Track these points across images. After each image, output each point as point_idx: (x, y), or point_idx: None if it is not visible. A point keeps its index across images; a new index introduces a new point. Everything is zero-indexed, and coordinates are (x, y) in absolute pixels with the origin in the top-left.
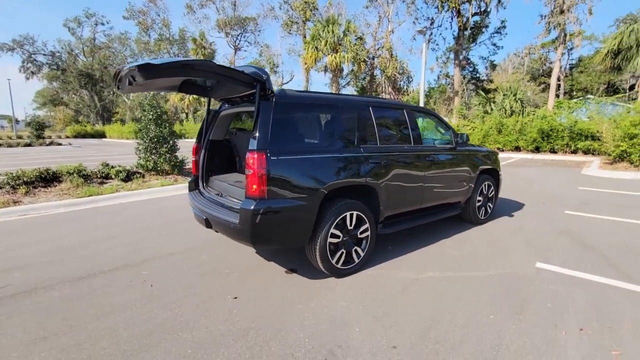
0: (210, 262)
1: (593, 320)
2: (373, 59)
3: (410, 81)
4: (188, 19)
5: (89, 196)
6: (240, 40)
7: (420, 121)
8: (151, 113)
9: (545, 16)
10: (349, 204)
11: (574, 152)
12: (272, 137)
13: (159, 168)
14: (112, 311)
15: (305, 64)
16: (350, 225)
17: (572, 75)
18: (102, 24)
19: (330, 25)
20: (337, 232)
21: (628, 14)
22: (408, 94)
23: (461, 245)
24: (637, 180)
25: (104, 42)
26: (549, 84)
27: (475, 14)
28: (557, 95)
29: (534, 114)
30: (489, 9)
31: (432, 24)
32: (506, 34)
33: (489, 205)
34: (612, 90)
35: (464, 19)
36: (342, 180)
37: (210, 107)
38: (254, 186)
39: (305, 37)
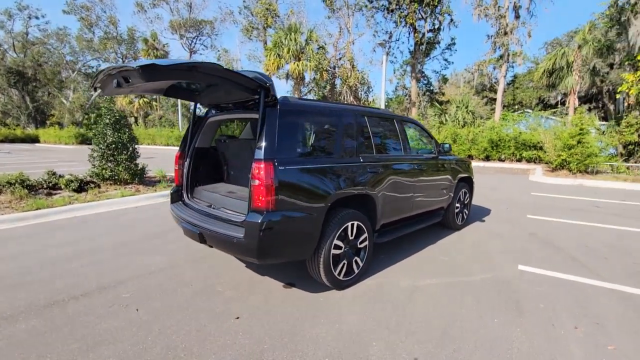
0: (198, 280)
1: (582, 317)
2: (334, 68)
3: (370, 91)
4: (138, 18)
5: (36, 209)
6: (195, 43)
7: (409, 131)
8: (108, 117)
9: (491, 36)
10: (351, 214)
11: (519, 160)
12: (279, 145)
13: (117, 177)
14: (97, 343)
15: (267, 70)
16: (351, 235)
17: (510, 90)
18: (37, 17)
19: (293, 34)
20: (340, 243)
21: (555, 39)
22: (368, 104)
23: (447, 251)
24: (576, 186)
25: (39, 37)
26: (490, 98)
27: (430, 30)
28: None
29: (483, 125)
30: (442, 27)
31: (390, 37)
32: (456, 50)
33: (465, 212)
34: (542, 105)
35: (420, 35)
36: (347, 189)
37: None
38: (261, 197)
39: (266, 43)
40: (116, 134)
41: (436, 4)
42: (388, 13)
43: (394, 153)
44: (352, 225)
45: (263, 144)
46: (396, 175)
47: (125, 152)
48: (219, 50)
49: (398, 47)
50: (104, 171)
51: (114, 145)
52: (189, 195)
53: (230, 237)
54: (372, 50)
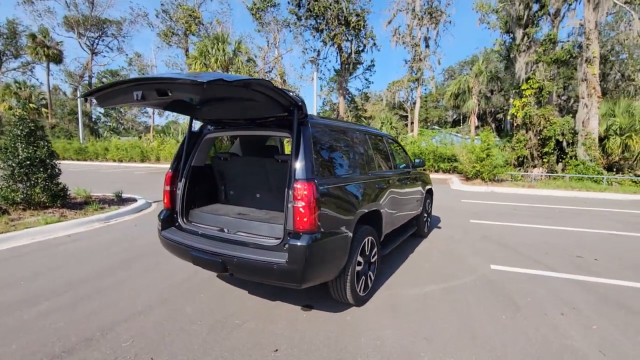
0: (205, 314)
1: (562, 305)
2: None
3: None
4: (24, 9)
5: None
6: (98, 44)
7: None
8: (20, 127)
9: (408, 61)
10: (368, 230)
11: (437, 171)
12: (314, 164)
13: (31, 201)
14: None
15: None
16: (368, 250)
17: (418, 108)
18: None
19: (220, 43)
20: (361, 259)
21: (449, 66)
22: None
23: (427, 258)
24: (490, 192)
25: None
26: (402, 115)
27: (356, 52)
28: (411, 123)
29: (405, 140)
30: (365, 49)
31: (318, 55)
32: (375, 71)
33: (429, 220)
34: (442, 122)
35: (346, 55)
36: (368, 205)
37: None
38: (304, 219)
39: (187, 51)
40: (30, 148)
41: (361, 28)
42: (316, 32)
43: (389, 168)
44: (368, 240)
45: (301, 163)
46: (393, 189)
47: (43, 170)
48: (127, 54)
49: (325, 65)
50: (14, 194)
51: (28, 162)
52: (185, 219)
53: (268, 264)
54: (301, 66)
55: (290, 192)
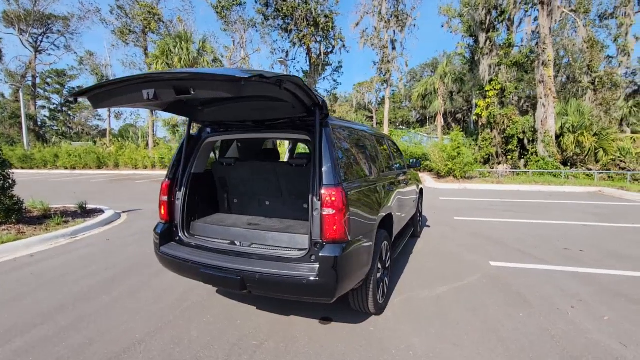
0: (215, 337)
1: (569, 298)
2: None
3: None
4: None
5: None
6: (42, 41)
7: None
8: None
9: (377, 63)
10: (384, 234)
11: None
12: (340, 168)
13: None
14: None
15: None
16: (384, 256)
17: (381, 109)
18: None
19: (184, 42)
20: (379, 265)
21: (410, 69)
22: None
23: (427, 257)
24: (463, 189)
25: None
26: (368, 116)
27: (325, 53)
28: (377, 124)
29: None
30: (334, 51)
31: (287, 56)
32: (342, 72)
33: (421, 219)
34: (406, 122)
35: (315, 56)
36: (385, 207)
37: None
38: (334, 227)
39: (146, 49)
40: None
41: (330, 29)
42: (285, 32)
43: (392, 169)
44: (384, 245)
45: (327, 167)
46: (399, 190)
47: None
48: (77, 53)
49: (294, 66)
50: None
51: None
52: (186, 232)
53: (296, 279)
54: (270, 66)
55: (315, 199)
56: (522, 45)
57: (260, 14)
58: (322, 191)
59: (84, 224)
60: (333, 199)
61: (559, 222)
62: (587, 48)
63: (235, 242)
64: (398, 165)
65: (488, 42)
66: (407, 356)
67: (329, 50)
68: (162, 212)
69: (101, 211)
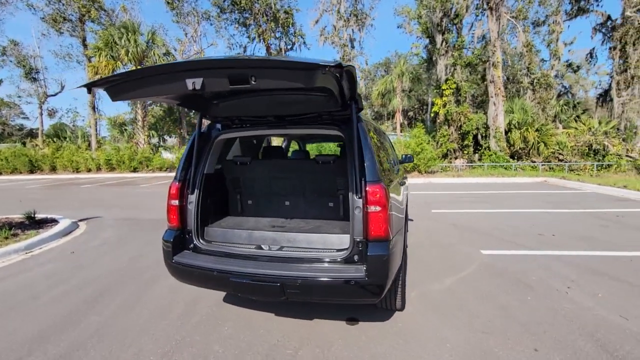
0: (243, 350)
1: (564, 279)
2: None
3: None
4: None
5: None
6: None
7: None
8: None
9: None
10: (404, 229)
11: None
12: (377, 163)
13: None
14: None
15: (97, 73)
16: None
17: None
18: None
19: (131, 34)
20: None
21: (364, 68)
22: None
23: (423, 250)
24: (428, 183)
25: None
26: None
27: (285, 49)
28: None
29: None
30: (294, 48)
31: (244, 51)
32: None
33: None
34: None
35: (275, 52)
36: (405, 201)
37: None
38: (380, 225)
39: (85, 40)
40: None
41: (290, 25)
42: (242, 27)
43: (396, 163)
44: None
45: (369, 163)
46: (404, 184)
47: None
48: None
49: None
50: None
51: None
52: (201, 238)
53: (343, 281)
54: None
55: (356, 197)
56: (474, 47)
57: (216, 7)
58: (367, 188)
59: (38, 237)
60: (378, 195)
61: (524, 210)
62: (526, 52)
63: (262, 246)
64: (397, 159)
65: (444, 43)
66: (446, 349)
67: (289, 47)
68: (173, 218)
69: (54, 221)
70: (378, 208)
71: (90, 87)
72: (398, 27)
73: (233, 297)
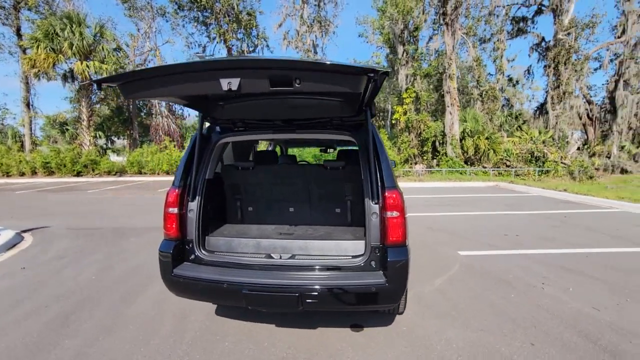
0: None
1: (538, 277)
2: None
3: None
4: None
5: None
6: None
7: None
8: None
9: None
10: None
11: None
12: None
13: None
14: None
15: (34, 67)
16: None
17: None
18: None
19: (75, 25)
20: None
21: None
22: (184, 118)
23: None
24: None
25: None
26: None
27: (247, 52)
28: None
29: None
30: (257, 51)
31: (204, 51)
32: None
33: None
34: None
35: (236, 54)
36: None
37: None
38: (398, 230)
39: (19, 29)
40: None
41: (252, 27)
42: (202, 26)
43: None
44: None
45: (386, 169)
46: None
47: None
48: None
49: None
50: None
51: None
52: (202, 249)
53: (364, 288)
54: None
55: (371, 203)
56: (430, 60)
57: (174, 3)
58: (386, 194)
59: None
60: (396, 201)
61: (486, 212)
62: (476, 66)
63: (272, 255)
64: None
65: (405, 54)
66: (453, 350)
67: (251, 49)
68: (172, 227)
69: None
70: (396, 214)
71: (102, 83)
72: (359, 35)
73: (226, 309)
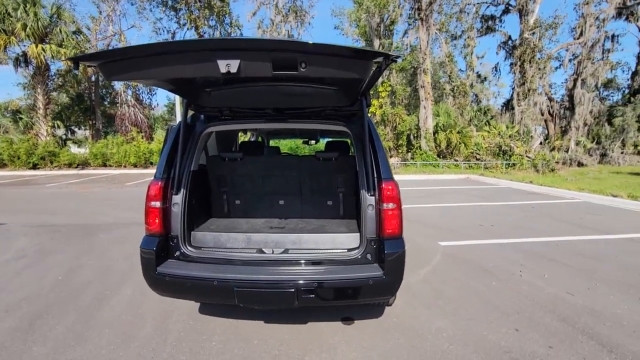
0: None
1: (516, 265)
2: None
3: (154, 94)
4: None
5: None
6: None
7: None
8: None
9: None
10: None
11: None
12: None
13: None
14: None
15: None
16: None
17: None
18: None
19: (30, 5)
20: None
21: None
22: (152, 108)
23: None
24: None
25: None
26: None
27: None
28: None
29: None
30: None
31: (173, 37)
32: None
33: None
34: None
35: None
36: None
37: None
38: (394, 222)
39: None
40: None
41: (226, 14)
42: (171, 11)
43: None
44: None
45: (382, 160)
46: None
47: None
48: None
49: None
50: None
51: None
52: (188, 244)
53: (361, 281)
54: None
55: (367, 194)
56: (404, 54)
57: None
58: (382, 185)
59: None
60: (393, 193)
61: (460, 204)
62: (448, 61)
63: (264, 249)
64: None
65: (381, 47)
66: (444, 338)
67: (224, 36)
68: (154, 222)
69: None
70: (393, 205)
71: (80, 61)
72: (335, 27)
73: (210, 306)
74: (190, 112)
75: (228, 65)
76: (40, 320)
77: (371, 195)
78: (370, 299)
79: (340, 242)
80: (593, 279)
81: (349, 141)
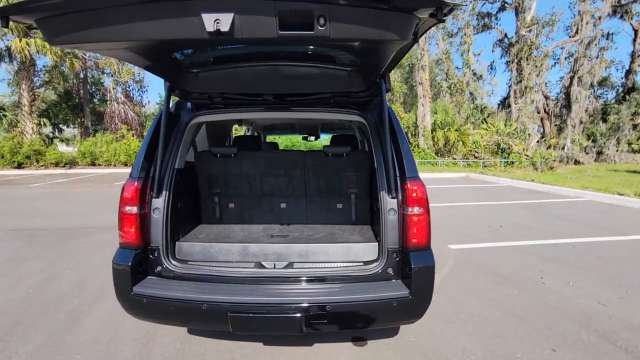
0: None
1: (533, 270)
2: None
3: (144, 91)
4: None
5: None
6: None
7: None
8: None
9: None
10: None
11: None
12: None
13: None
14: None
15: None
16: None
17: None
18: None
19: None
20: None
21: None
22: (144, 105)
23: None
24: None
25: None
26: None
27: None
28: None
29: None
30: None
31: None
32: None
33: None
34: None
35: None
36: None
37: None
38: (422, 230)
39: None
40: None
41: None
42: None
43: None
44: None
45: (407, 156)
46: None
47: None
48: None
49: None
50: None
51: None
52: (172, 257)
53: (384, 302)
54: None
55: (389, 197)
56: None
57: None
58: (407, 185)
59: None
60: (420, 194)
61: (464, 203)
62: (445, 59)
63: (264, 263)
64: None
65: None
66: (461, 353)
67: None
68: (129, 231)
69: None
70: (420, 210)
71: (9, 15)
72: None
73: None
74: (175, 100)
75: (217, 22)
76: (7, 339)
77: (393, 198)
78: (392, 323)
79: (354, 253)
80: (621, 286)
81: (357, 136)
